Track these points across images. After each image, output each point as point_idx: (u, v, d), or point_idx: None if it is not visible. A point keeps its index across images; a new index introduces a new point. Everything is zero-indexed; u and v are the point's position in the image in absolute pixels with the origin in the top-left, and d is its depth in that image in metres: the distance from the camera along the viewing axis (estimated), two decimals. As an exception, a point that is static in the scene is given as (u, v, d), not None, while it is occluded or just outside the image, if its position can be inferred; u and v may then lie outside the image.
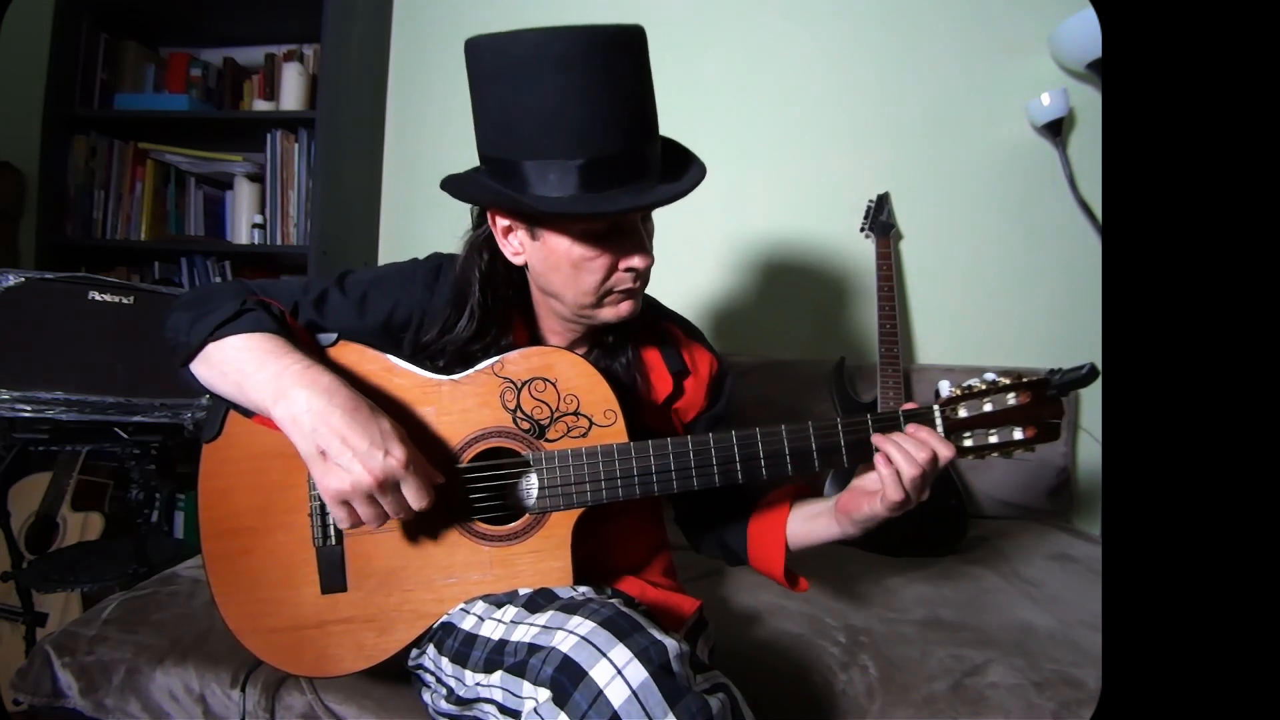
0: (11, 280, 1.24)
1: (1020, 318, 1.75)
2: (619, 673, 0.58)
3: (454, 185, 0.79)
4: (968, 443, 0.77)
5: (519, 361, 0.79)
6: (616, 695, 0.57)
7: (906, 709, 0.88)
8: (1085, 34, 1.53)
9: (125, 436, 1.33)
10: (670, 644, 0.61)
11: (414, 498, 0.69)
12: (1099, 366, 0.71)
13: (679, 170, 0.78)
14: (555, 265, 0.78)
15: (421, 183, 2.00)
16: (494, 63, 0.72)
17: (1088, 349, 1.69)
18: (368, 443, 0.66)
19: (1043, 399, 0.76)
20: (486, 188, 0.77)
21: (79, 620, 0.99)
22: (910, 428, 0.75)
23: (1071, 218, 1.70)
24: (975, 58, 1.74)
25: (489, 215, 0.81)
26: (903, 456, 0.72)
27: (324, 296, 0.84)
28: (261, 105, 1.92)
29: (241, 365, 0.71)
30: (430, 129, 1.99)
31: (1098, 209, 1.67)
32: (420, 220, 2.01)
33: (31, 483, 1.63)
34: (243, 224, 1.91)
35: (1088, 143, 1.71)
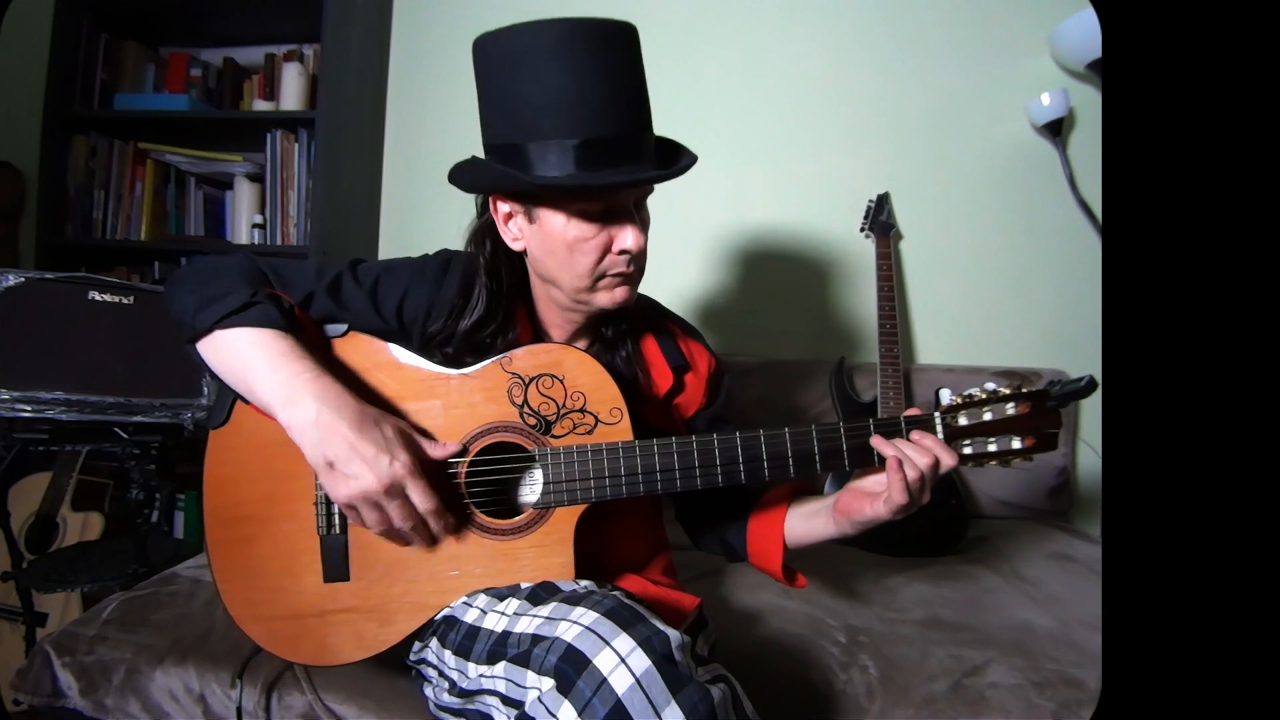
0: (11, 280, 1.23)
1: (1020, 318, 1.76)
2: (623, 661, 0.58)
3: (459, 172, 0.82)
4: (967, 450, 0.78)
5: (527, 358, 0.80)
6: (620, 683, 0.57)
7: (906, 709, 0.88)
8: (1085, 34, 1.53)
9: (125, 436, 1.33)
10: (673, 634, 0.62)
11: (420, 500, 0.72)
12: (1098, 378, 0.72)
13: (671, 161, 0.81)
14: (551, 248, 0.79)
15: (422, 182, 2.00)
16: (497, 53, 0.75)
17: (1087, 349, 1.69)
18: (374, 450, 0.70)
19: (1042, 409, 0.77)
20: (488, 169, 0.80)
21: (79, 620, 0.99)
22: (914, 435, 0.77)
23: (1071, 218, 1.71)
24: (975, 58, 1.74)
25: (491, 203, 0.83)
26: (906, 461, 0.74)
27: (339, 284, 0.85)
28: (261, 105, 1.92)
29: (252, 362, 0.73)
30: (430, 129, 1.99)
31: (1098, 209, 1.67)
32: (420, 220, 2.01)
33: (31, 483, 1.63)
34: (243, 224, 1.91)
35: (1088, 143, 1.71)
